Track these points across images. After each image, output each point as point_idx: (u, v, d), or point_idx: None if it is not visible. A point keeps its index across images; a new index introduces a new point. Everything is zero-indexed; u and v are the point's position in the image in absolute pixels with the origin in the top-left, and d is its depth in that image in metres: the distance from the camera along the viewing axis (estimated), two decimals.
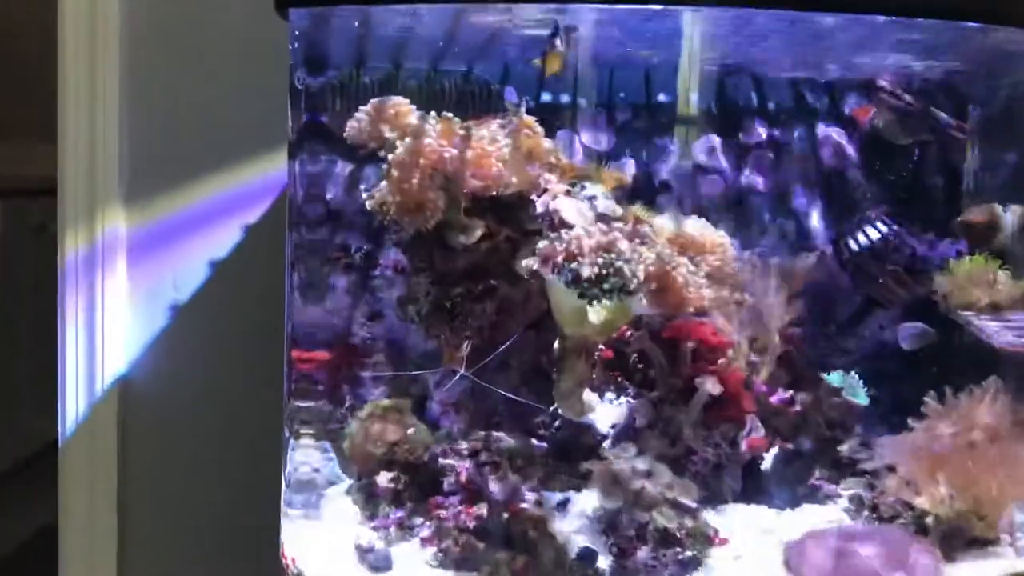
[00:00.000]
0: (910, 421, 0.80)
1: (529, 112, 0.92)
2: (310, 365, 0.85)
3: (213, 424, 1.11)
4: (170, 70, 1.10)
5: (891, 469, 0.77)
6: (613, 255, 0.70)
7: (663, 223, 0.81)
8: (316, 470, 0.87)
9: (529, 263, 0.73)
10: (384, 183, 0.74)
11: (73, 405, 1.13)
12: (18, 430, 2.03)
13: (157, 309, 1.12)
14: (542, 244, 0.72)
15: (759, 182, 1.00)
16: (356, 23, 0.69)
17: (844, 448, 0.90)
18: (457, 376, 0.79)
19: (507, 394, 0.80)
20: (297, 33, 0.65)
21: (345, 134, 0.78)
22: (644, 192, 0.97)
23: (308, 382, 0.85)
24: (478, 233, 0.80)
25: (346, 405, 0.88)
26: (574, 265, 0.70)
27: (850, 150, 0.97)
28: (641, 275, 0.69)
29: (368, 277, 0.97)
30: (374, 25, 0.74)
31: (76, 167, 1.11)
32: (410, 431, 0.77)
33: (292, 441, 0.81)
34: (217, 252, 1.11)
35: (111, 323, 1.11)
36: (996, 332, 0.75)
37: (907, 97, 0.89)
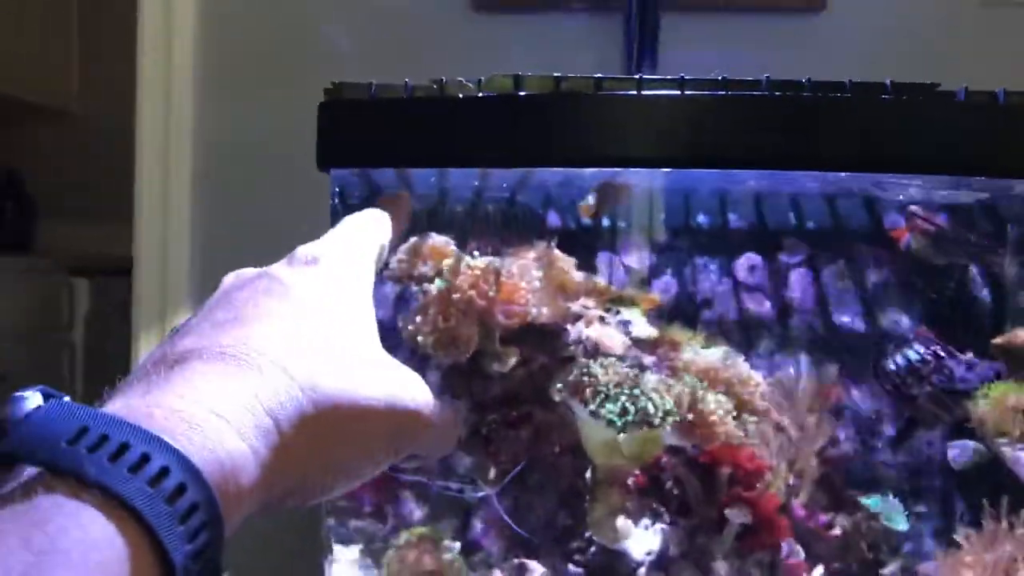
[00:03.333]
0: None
1: (571, 234, 0.96)
2: None
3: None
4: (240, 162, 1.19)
5: None
6: (637, 390, 0.73)
7: (693, 356, 0.83)
8: None
9: (558, 395, 0.76)
10: (419, 317, 0.78)
11: None
12: None
13: None
14: (571, 377, 0.75)
15: (798, 301, 1.01)
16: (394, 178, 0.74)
17: (887, 572, 0.90)
18: (478, 495, 0.82)
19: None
20: (338, 189, 0.69)
21: (387, 274, 0.83)
22: (684, 311, 1.00)
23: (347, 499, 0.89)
24: (512, 361, 0.83)
25: (389, 525, 0.91)
26: (599, 399, 0.73)
27: (888, 269, 0.98)
28: (665, 410, 0.71)
29: None
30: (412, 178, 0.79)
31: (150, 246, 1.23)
32: (445, 556, 0.79)
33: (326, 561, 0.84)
34: None
35: None
36: None
37: (938, 220, 0.90)
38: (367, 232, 0.45)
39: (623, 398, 0.71)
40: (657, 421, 0.70)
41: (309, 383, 0.35)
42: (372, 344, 0.40)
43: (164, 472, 0.29)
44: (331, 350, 0.36)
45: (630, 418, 0.70)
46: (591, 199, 0.85)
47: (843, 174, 0.69)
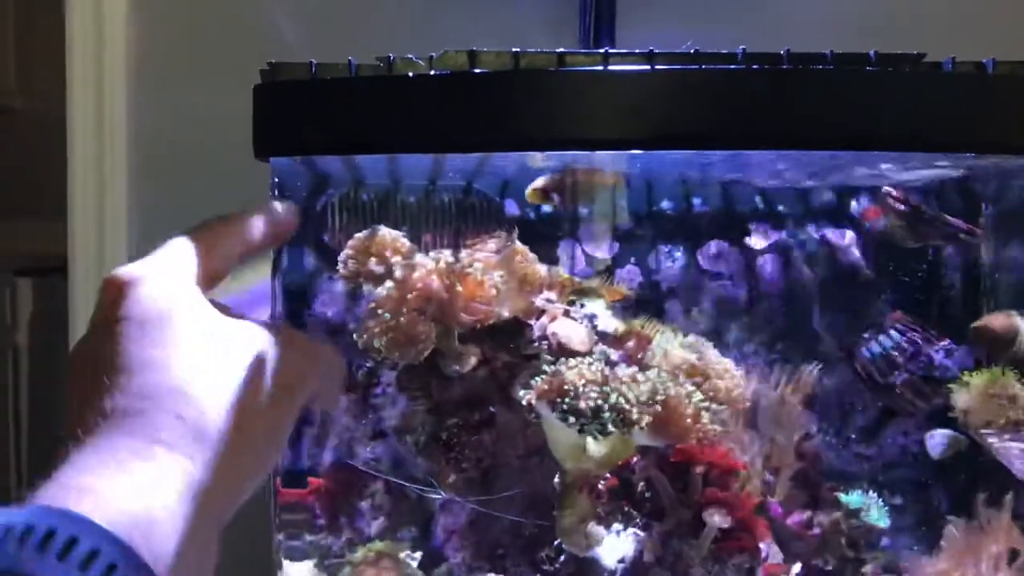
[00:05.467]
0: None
1: (531, 223, 0.91)
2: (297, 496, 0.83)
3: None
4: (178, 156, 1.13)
5: None
6: (609, 388, 0.68)
7: (666, 345, 0.78)
8: None
9: (524, 397, 0.71)
10: (371, 321, 0.72)
11: None
12: None
13: None
14: (535, 380, 0.70)
15: (767, 288, 0.97)
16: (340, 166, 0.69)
17: (868, 569, 0.86)
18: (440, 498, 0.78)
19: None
20: (277, 180, 0.63)
21: (336, 272, 0.78)
22: (650, 302, 0.95)
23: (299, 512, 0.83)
24: (473, 361, 0.78)
25: (344, 538, 0.86)
26: (569, 401, 0.68)
27: (860, 253, 0.95)
28: (641, 408, 0.67)
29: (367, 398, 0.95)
30: (360, 162, 0.73)
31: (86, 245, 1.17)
32: (406, 572, 0.74)
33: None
34: None
35: None
36: (1018, 458, 0.70)
37: (912, 200, 0.86)
38: (187, 253, 0.45)
39: (594, 396, 0.66)
40: (635, 417, 0.65)
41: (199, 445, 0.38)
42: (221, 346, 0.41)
43: (94, 554, 0.31)
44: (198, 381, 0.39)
45: (605, 417, 0.65)
46: (541, 182, 0.80)
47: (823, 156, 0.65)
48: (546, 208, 0.98)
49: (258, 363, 0.41)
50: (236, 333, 0.41)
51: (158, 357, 0.38)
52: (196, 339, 0.40)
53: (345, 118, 0.59)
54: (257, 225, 0.48)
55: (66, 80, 1.21)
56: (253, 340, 0.42)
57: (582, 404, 0.66)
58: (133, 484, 0.35)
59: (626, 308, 0.89)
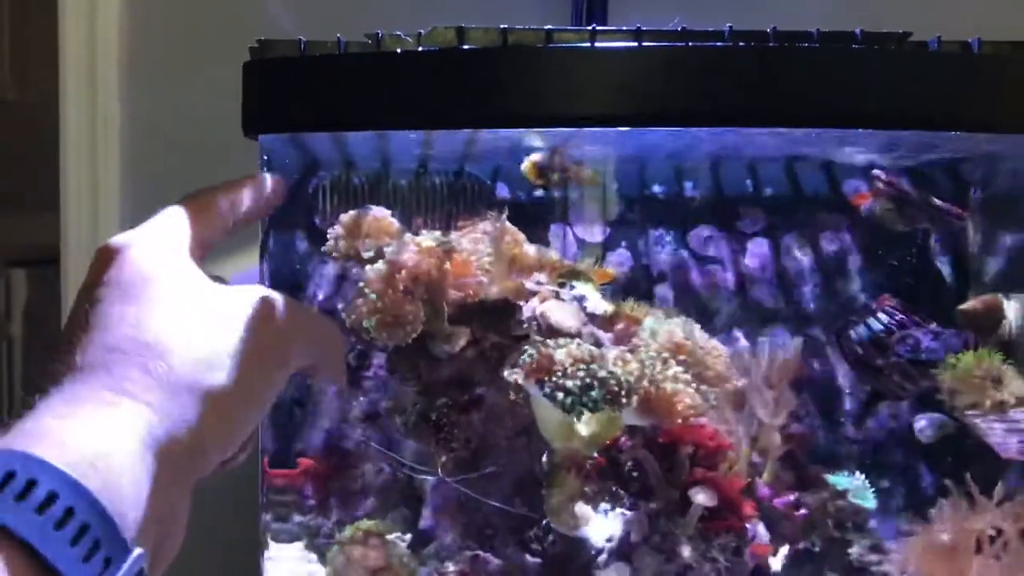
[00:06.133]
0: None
1: (522, 206, 0.91)
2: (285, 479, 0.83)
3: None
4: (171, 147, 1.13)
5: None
6: (596, 365, 0.68)
7: (655, 326, 0.79)
8: None
9: (512, 376, 0.71)
10: (360, 301, 0.73)
11: None
12: None
13: None
14: (524, 358, 0.70)
15: (756, 272, 0.97)
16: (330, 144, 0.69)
17: (854, 551, 0.86)
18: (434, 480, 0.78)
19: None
20: (267, 157, 0.63)
21: (324, 249, 0.78)
22: (639, 285, 0.96)
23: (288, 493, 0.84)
24: (462, 342, 0.78)
25: (333, 518, 0.86)
26: (557, 379, 0.68)
27: (848, 237, 0.95)
28: (629, 385, 0.67)
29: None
30: (350, 143, 0.74)
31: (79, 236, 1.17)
32: (394, 551, 0.74)
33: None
34: None
35: None
36: (1002, 439, 0.71)
37: (903, 184, 0.86)
38: (179, 221, 0.45)
39: (582, 375, 0.66)
40: (624, 393, 0.65)
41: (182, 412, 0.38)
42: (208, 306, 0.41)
43: (52, 498, 0.31)
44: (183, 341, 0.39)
45: (594, 395, 0.65)
46: (537, 157, 0.80)
47: (809, 134, 0.65)
48: (538, 192, 0.98)
49: (240, 326, 0.41)
50: (219, 296, 0.41)
51: (133, 314, 0.38)
52: (175, 299, 0.40)
53: (333, 95, 0.59)
54: (246, 193, 0.48)
55: (59, 71, 1.21)
56: (237, 304, 0.42)
57: (570, 382, 0.66)
58: (92, 429, 0.34)
59: (615, 291, 0.89)
